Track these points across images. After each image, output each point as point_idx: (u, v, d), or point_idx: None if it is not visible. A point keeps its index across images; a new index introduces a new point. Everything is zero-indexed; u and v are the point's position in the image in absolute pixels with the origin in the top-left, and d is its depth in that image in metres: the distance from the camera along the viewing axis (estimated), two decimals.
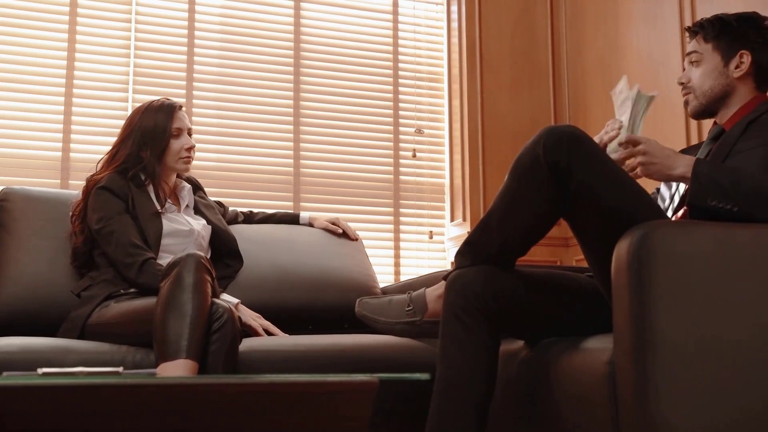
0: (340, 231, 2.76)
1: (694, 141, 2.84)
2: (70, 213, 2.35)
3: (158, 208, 2.32)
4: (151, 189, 2.35)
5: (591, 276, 1.88)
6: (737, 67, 1.88)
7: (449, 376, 1.65)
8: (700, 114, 1.95)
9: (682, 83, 1.96)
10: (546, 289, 1.78)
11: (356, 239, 2.78)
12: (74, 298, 2.23)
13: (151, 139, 2.33)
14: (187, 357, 1.80)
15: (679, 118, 2.95)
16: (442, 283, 1.80)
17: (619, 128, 1.80)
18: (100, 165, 2.39)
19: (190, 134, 2.41)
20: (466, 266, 1.73)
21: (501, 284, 1.70)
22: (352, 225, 3.17)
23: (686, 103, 1.96)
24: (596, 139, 1.81)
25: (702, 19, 1.96)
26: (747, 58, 1.87)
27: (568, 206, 1.65)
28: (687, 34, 1.99)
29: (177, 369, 1.78)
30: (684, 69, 1.98)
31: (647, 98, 1.82)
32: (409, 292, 1.86)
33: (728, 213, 1.58)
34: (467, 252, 1.74)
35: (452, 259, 3.53)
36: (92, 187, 2.29)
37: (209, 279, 1.95)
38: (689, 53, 1.95)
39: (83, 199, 2.32)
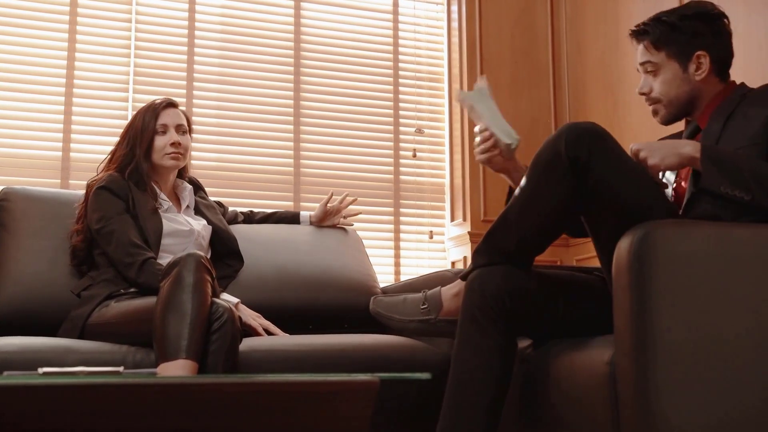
0: (340, 216, 2.79)
1: None
2: (77, 215, 2.35)
3: (162, 208, 2.32)
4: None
5: (599, 275, 1.87)
6: (697, 69, 1.81)
7: (462, 378, 1.65)
8: (671, 121, 1.90)
9: (643, 93, 1.89)
10: (562, 290, 1.78)
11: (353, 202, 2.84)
12: (74, 297, 2.23)
13: (140, 138, 2.35)
14: (187, 357, 1.80)
15: None
16: (458, 282, 1.80)
17: (491, 135, 1.84)
18: (100, 168, 2.41)
19: (183, 131, 2.39)
20: (482, 265, 1.72)
21: (518, 283, 1.70)
22: (352, 225, 3.17)
23: (654, 112, 1.89)
24: (477, 153, 1.88)
25: (644, 23, 1.86)
26: (705, 59, 1.80)
27: (586, 202, 1.64)
28: (632, 37, 1.90)
29: (177, 369, 1.78)
30: (639, 73, 1.91)
31: (485, 91, 1.83)
32: (424, 291, 1.85)
33: (736, 201, 1.56)
34: (484, 251, 1.74)
35: (452, 258, 3.54)
36: (93, 188, 2.30)
37: (209, 279, 1.95)
38: (642, 63, 1.87)
39: (84, 201, 2.32)
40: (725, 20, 1.83)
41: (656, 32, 1.83)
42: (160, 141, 2.35)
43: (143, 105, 2.44)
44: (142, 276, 2.14)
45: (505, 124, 1.86)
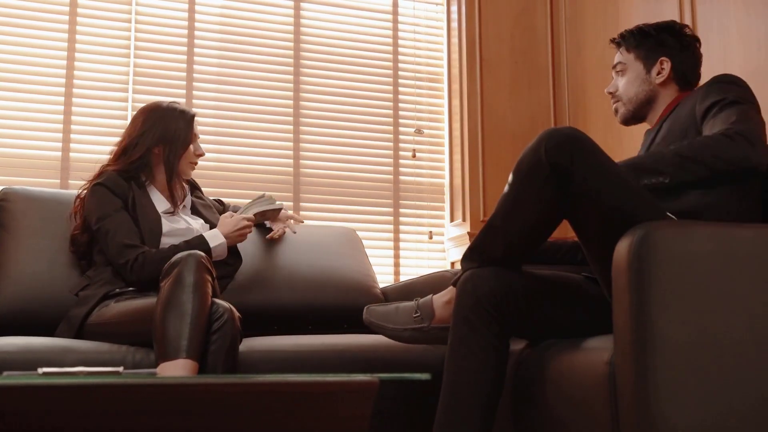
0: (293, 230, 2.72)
1: None
2: (77, 195, 2.37)
3: (162, 209, 2.34)
4: (152, 189, 2.38)
5: (588, 276, 1.88)
6: (659, 73, 2.00)
7: (456, 379, 1.66)
8: (628, 120, 2.08)
9: (610, 93, 2.08)
10: (555, 290, 1.78)
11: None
12: (74, 297, 2.23)
13: (171, 141, 2.38)
14: (187, 357, 1.80)
15: None
16: (450, 289, 1.81)
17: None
18: (113, 155, 2.41)
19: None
20: (475, 268, 1.73)
21: (512, 284, 1.70)
22: (352, 225, 3.16)
23: (615, 111, 2.08)
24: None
25: (625, 30, 2.08)
26: (667, 65, 1.99)
27: (570, 207, 1.65)
28: (612, 45, 2.11)
29: (177, 369, 1.79)
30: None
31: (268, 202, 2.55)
32: (417, 299, 1.86)
33: (661, 187, 1.67)
34: (473, 257, 1.75)
35: (452, 259, 3.54)
36: (95, 183, 2.31)
37: (210, 279, 1.95)
38: (615, 65, 2.07)
39: (88, 188, 2.33)
40: (696, 43, 2.04)
41: (631, 37, 2.06)
42: (190, 149, 2.44)
43: (165, 106, 2.44)
44: (134, 274, 2.16)
45: (258, 203, 2.57)
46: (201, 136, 3.28)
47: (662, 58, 2.00)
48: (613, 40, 2.10)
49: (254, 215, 2.46)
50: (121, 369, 1.19)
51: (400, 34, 3.72)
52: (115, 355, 1.95)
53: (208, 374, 1.83)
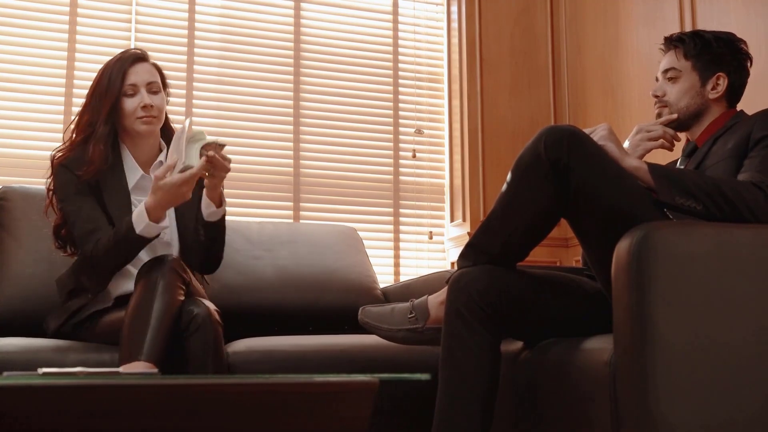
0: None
1: None
2: (45, 188, 2.18)
3: (135, 178, 2.12)
4: (126, 155, 2.13)
5: (589, 275, 1.88)
6: (713, 88, 1.93)
7: (453, 376, 1.65)
8: (673, 129, 2.00)
9: (656, 96, 2.00)
10: (549, 289, 1.78)
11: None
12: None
13: (103, 100, 2.06)
14: (146, 359, 1.75)
15: None
16: (445, 290, 1.81)
17: (176, 160, 1.92)
18: (65, 136, 2.15)
19: (154, 90, 2.11)
20: (469, 266, 1.73)
21: (505, 283, 1.70)
22: (352, 225, 3.16)
23: (658, 115, 2.01)
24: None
25: (682, 33, 2.00)
26: (723, 81, 1.93)
27: (569, 205, 1.65)
28: (663, 45, 2.01)
29: (135, 370, 1.73)
30: (658, 80, 2.02)
31: (199, 132, 1.98)
32: (412, 300, 1.87)
33: (691, 211, 1.63)
34: (469, 254, 1.75)
35: (452, 259, 3.54)
36: (56, 163, 2.09)
37: (180, 283, 1.90)
38: (667, 69, 1.99)
39: (51, 174, 2.12)
40: (749, 60, 1.98)
41: (691, 43, 1.96)
42: (129, 104, 2.07)
43: (109, 61, 2.14)
44: (95, 269, 2.03)
45: (193, 141, 1.98)
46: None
47: (720, 74, 1.93)
48: (669, 41, 2.00)
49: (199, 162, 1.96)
50: (120, 369, 1.19)
51: (400, 34, 3.72)
52: (115, 356, 1.95)
53: (206, 375, 1.83)
